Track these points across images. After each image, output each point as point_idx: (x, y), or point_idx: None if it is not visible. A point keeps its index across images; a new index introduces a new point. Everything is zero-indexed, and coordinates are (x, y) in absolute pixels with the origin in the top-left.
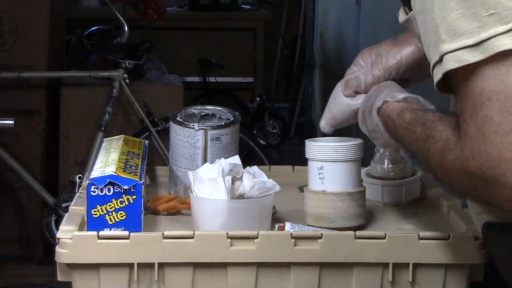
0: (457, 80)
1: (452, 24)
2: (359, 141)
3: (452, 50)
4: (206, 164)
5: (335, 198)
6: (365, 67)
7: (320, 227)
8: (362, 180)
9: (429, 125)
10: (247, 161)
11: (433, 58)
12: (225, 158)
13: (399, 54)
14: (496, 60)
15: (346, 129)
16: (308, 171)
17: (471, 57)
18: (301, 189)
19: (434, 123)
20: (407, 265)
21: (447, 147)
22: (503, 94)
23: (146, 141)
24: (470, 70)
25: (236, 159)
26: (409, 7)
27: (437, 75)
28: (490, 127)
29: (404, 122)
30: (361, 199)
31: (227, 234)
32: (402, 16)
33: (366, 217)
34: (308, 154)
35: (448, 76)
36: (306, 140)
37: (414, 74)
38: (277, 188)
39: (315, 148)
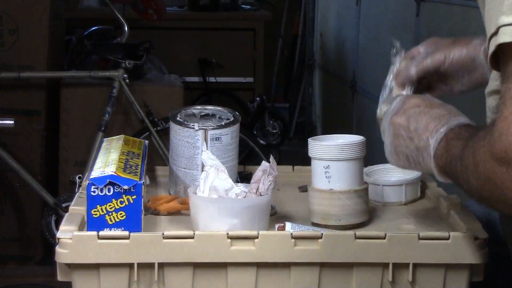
0: (507, 56)
1: None
2: (362, 138)
3: (510, 24)
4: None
5: (342, 196)
6: (419, 56)
7: (327, 225)
8: None
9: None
10: (247, 161)
11: (490, 29)
12: (225, 158)
13: (448, 51)
14: None
15: (346, 127)
16: (312, 169)
17: None
18: (301, 189)
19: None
20: (407, 265)
21: (480, 137)
22: None
23: (146, 141)
24: None
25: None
26: None
27: (491, 47)
28: None
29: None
30: (365, 196)
31: (227, 234)
32: None
33: (370, 213)
34: (313, 153)
35: (501, 50)
36: (310, 139)
37: (452, 79)
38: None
39: (321, 147)
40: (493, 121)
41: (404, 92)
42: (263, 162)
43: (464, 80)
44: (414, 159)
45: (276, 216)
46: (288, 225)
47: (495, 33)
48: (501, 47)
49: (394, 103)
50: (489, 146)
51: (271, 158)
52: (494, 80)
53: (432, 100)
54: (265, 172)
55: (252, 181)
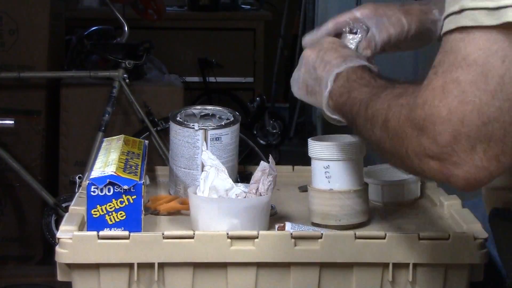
0: (456, 33)
1: None
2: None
3: (474, 8)
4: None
5: (342, 196)
6: (373, 25)
7: (327, 225)
8: None
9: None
10: (247, 161)
11: (451, 7)
12: (225, 158)
13: (407, 23)
14: (498, 31)
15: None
16: (312, 169)
17: (486, 19)
18: (302, 189)
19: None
20: (407, 265)
21: (398, 95)
22: (481, 68)
23: (146, 141)
24: (473, 31)
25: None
26: None
27: (449, 25)
28: (455, 89)
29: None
30: (365, 196)
31: (227, 234)
32: None
33: (370, 213)
34: (313, 153)
35: (458, 30)
36: (310, 139)
37: (403, 46)
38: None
39: (321, 147)
40: (416, 86)
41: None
42: (262, 162)
43: (415, 45)
44: (311, 89)
45: (276, 216)
46: (288, 225)
47: (457, 12)
48: (460, 28)
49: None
50: (408, 108)
51: (270, 158)
52: None
53: (344, 43)
54: (264, 172)
55: (251, 181)
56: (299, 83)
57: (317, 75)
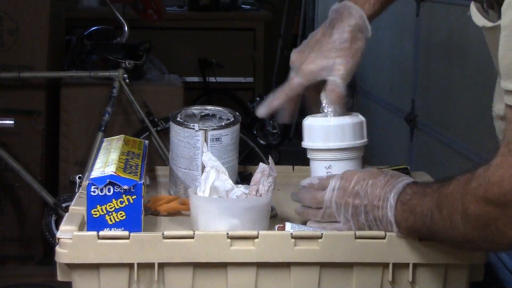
0: None
1: None
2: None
3: None
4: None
5: None
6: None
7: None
8: None
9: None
10: (247, 161)
11: (508, 82)
12: (226, 158)
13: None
14: None
15: None
16: (313, 170)
17: None
18: None
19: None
20: (407, 265)
21: (471, 177)
22: None
23: (146, 141)
24: None
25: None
26: (497, 11)
27: (509, 101)
28: None
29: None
30: None
31: (227, 234)
32: (481, 19)
33: None
34: (313, 155)
35: None
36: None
37: None
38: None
39: (323, 148)
40: (479, 169)
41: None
42: (260, 164)
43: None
44: (377, 229)
45: (276, 218)
46: (288, 225)
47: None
48: None
49: (332, 184)
50: (483, 188)
51: (270, 159)
52: (501, 103)
53: (370, 170)
54: (263, 173)
55: (251, 183)
56: (351, 228)
57: (374, 216)
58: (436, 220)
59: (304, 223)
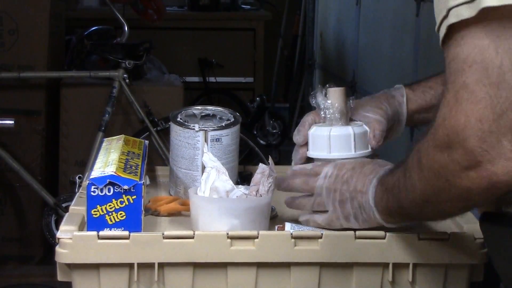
0: (452, 41)
1: None
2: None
3: (456, 5)
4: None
5: None
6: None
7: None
8: None
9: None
10: (247, 161)
11: (441, 14)
12: (226, 159)
13: (381, 113)
14: (482, 27)
15: None
16: None
17: (466, 12)
18: None
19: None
20: (407, 265)
21: (422, 137)
22: (481, 65)
23: (146, 141)
24: (463, 30)
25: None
26: None
27: (442, 29)
28: (464, 94)
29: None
30: None
31: (227, 234)
32: None
33: None
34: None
35: (449, 33)
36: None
37: None
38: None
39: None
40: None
41: None
42: (260, 164)
43: (389, 133)
44: (362, 217)
45: (276, 218)
46: (288, 225)
47: (446, 16)
48: (450, 29)
49: (325, 171)
50: (432, 136)
51: (270, 159)
52: None
53: (364, 159)
54: (263, 174)
55: (251, 184)
56: (348, 219)
57: (359, 202)
58: (401, 187)
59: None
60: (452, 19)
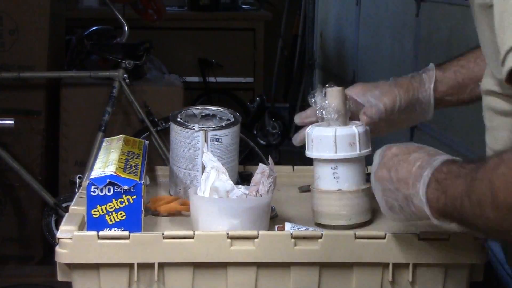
0: None
1: None
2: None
3: None
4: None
5: (351, 196)
6: (366, 99)
7: (335, 226)
8: None
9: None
10: (247, 161)
11: (507, 43)
12: (226, 159)
13: (394, 95)
14: None
15: None
16: (316, 171)
17: None
18: (302, 189)
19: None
20: (407, 265)
21: (500, 161)
22: None
23: (146, 141)
24: None
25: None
26: None
27: (509, 63)
28: None
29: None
30: (370, 194)
31: (227, 234)
32: None
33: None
34: (319, 155)
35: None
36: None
37: (395, 122)
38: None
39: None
40: (506, 150)
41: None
42: (260, 164)
43: (406, 120)
44: (406, 209)
45: (276, 218)
46: (288, 225)
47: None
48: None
49: (375, 158)
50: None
51: (270, 160)
52: (490, 78)
53: (407, 145)
54: (263, 174)
55: (251, 183)
56: (392, 209)
57: (404, 194)
58: (465, 206)
59: (304, 223)
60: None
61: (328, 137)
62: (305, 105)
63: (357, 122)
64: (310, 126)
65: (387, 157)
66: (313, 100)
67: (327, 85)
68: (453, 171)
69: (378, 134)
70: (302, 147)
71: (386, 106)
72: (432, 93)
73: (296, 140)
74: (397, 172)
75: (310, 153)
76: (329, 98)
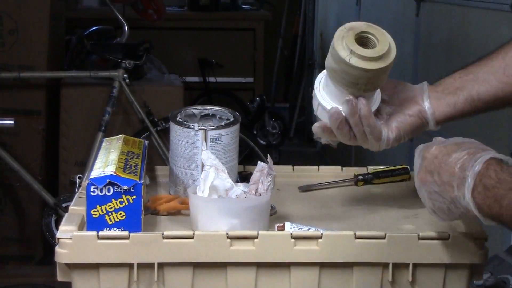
0: None
1: None
2: None
3: None
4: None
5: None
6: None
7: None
8: None
9: None
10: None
11: None
12: (225, 158)
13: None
14: None
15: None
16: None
17: None
18: (302, 189)
19: None
20: (407, 265)
21: None
22: None
23: (146, 141)
24: None
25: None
26: None
27: None
28: None
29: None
30: None
31: (227, 234)
32: None
33: None
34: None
35: None
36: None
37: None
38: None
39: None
40: None
41: None
42: (259, 163)
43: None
44: (455, 211)
45: (276, 216)
46: (288, 225)
47: None
48: None
49: (416, 159)
50: None
51: (269, 158)
52: None
53: (446, 143)
54: (262, 172)
55: (250, 182)
56: (441, 212)
57: (450, 197)
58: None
59: (304, 223)
60: None
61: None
62: (305, 105)
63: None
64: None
65: (427, 159)
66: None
67: None
68: (505, 179)
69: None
70: (302, 146)
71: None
72: (430, 111)
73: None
74: (440, 176)
75: (320, 111)
76: None
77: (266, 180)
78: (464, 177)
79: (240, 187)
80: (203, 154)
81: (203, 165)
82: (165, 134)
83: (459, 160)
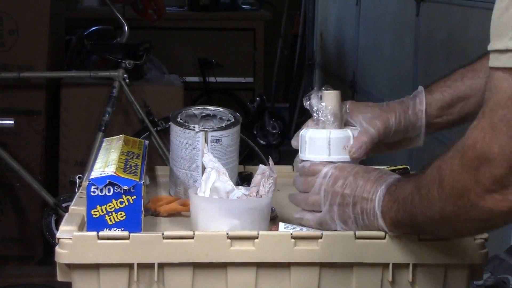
0: (500, 73)
1: None
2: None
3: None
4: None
5: None
6: (359, 121)
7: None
8: None
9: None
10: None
11: (496, 42)
12: (226, 159)
13: (389, 117)
14: None
15: None
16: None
17: None
18: None
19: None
20: (407, 265)
21: (447, 152)
22: None
23: (146, 141)
24: None
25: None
26: None
27: (495, 62)
28: (503, 128)
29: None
30: None
31: (227, 234)
32: None
33: None
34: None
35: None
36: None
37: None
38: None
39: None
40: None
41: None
42: (260, 165)
43: (396, 145)
44: (363, 223)
45: (275, 217)
46: (282, 225)
47: (503, 51)
48: (504, 68)
49: (324, 171)
50: (459, 155)
51: (270, 160)
52: None
53: (364, 167)
54: (264, 175)
55: (251, 185)
56: (346, 223)
57: (361, 208)
58: (415, 202)
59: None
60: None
61: (322, 139)
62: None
63: (352, 126)
64: (304, 128)
65: (344, 172)
66: (308, 102)
67: (323, 88)
68: (404, 180)
69: (367, 156)
70: None
71: (379, 131)
72: (424, 116)
73: (294, 143)
74: (355, 188)
75: (303, 155)
76: (325, 101)
77: (267, 182)
78: (377, 190)
79: (241, 190)
80: (205, 156)
81: (203, 167)
82: (165, 134)
83: (377, 177)
